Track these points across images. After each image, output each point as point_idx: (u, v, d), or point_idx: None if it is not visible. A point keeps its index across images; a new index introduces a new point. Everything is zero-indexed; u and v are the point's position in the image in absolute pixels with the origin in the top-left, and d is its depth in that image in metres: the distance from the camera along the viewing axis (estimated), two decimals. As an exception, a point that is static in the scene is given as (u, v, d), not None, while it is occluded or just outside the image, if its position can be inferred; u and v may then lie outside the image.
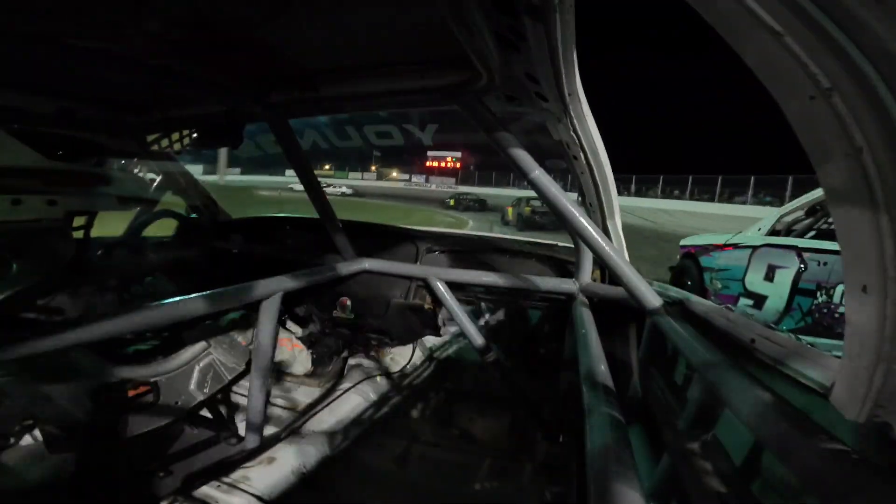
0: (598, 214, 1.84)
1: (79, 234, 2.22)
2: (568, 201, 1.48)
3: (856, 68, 0.47)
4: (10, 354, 1.26)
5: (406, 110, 2.15)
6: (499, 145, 1.52)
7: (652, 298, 1.44)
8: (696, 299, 1.41)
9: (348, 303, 2.58)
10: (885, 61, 0.45)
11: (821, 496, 0.49)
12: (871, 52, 0.45)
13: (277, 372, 2.52)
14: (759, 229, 5.32)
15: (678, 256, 6.67)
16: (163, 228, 2.85)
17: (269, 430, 2.04)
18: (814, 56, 0.49)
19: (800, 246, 4.60)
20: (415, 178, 52.91)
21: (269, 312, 1.90)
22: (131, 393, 1.78)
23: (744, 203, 27.62)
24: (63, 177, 1.87)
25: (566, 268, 2.19)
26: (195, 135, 2.23)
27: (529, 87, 1.20)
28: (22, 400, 1.50)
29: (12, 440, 1.50)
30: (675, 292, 1.52)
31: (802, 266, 4.47)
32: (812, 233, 4.90)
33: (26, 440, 1.53)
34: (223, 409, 2.17)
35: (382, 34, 1.20)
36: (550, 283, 2.10)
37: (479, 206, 26.40)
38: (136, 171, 2.55)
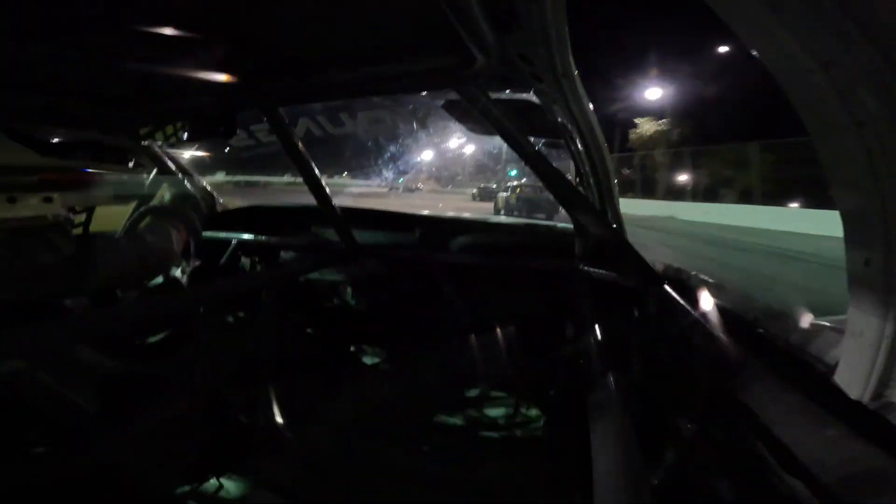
0: (596, 194, 1.83)
1: (78, 231, 2.22)
2: (566, 182, 1.47)
3: (853, 41, 0.45)
4: (14, 350, 1.26)
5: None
6: (495, 128, 1.50)
7: (652, 277, 1.44)
8: (696, 278, 1.41)
9: (350, 290, 2.58)
10: (881, 34, 0.44)
11: (831, 482, 0.48)
12: (867, 25, 0.44)
13: (283, 362, 2.53)
14: None
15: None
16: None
17: (276, 421, 2.06)
18: (811, 29, 0.48)
19: None
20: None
21: (270, 302, 1.91)
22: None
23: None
24: (57, 173, 1.85)
25: (565, 248, 2.19)
26: (188, 127, 2.21)
27: (524, 69, 1.18)
28: (29, 395, 1.51)
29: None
30: (676, 271, 1.52)
31: None
32: None
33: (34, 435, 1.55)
34: (230, 400, 2.18)
35: (374, 18, 1.17)
36: (550, 263, 2.10)
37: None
38: (130, 165, 2.53)
